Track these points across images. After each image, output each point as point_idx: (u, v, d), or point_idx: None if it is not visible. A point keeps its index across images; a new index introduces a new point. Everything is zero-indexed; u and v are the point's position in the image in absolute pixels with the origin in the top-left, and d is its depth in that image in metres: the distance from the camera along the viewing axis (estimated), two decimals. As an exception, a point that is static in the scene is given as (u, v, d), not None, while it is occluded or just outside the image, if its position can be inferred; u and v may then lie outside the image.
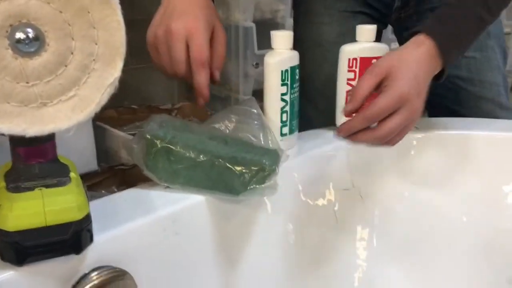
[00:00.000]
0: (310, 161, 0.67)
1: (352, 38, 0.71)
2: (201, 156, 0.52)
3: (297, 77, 0.66)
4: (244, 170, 0.52)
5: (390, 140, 0.59)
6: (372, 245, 0.70)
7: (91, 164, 1.42)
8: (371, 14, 0.92)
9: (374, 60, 0.68)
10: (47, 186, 0.41)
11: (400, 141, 0.60)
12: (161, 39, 0.59)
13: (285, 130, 0.67)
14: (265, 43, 1.92)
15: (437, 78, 0.64)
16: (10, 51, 0.28)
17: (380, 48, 0.70)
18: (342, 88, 0.71)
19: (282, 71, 0.64)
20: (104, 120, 1.68)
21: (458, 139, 0.73)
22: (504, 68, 0.90)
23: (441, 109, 0.89)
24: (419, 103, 0.59)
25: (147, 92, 2.10)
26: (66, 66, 0.29)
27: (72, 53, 0.29)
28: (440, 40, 0.61)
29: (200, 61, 0.58)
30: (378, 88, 0.59)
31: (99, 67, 0.30)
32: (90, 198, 0.45)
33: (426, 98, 0.61)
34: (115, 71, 0.31)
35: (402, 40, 0.95)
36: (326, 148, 0.69)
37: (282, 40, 0.64)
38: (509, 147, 0.71)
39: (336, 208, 0.68)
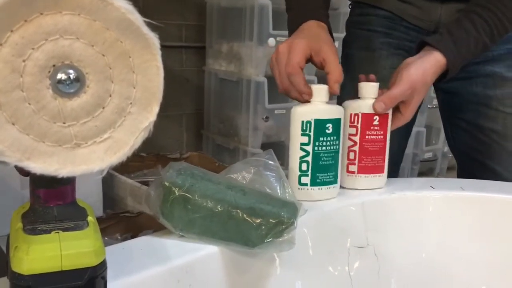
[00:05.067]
0: (323, 215, 0.66)
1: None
2: (219, 207, 0.52)
3: (328, 131, 0.66)
4: (261, 222, 0.51)
5: None
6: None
7: (96, 209, 1.40)
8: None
9: (375, 116, 0.71)
10: (64, 230, 0.40)
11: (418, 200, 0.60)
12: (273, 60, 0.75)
13: (305, 180, 0.67)
14: (276, 98, 1.95)
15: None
16: (50, 91, 0.28)
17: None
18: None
19: (303, 122, 0.65)
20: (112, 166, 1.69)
21: (483, 201, 0.72)
22: None
23: (472, 162, 0.91)
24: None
25: (156, 140, 2.11)
26: (103, 108, 0.30)
27: (110, 96, 0.30)
28: (453, 61, 0.73)
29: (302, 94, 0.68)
30: None
31: (135, 110, 0.31)
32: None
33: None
34: (151, 116, 0.31)
35: (440, 93, 1.01)
36: (341, 202, 0.69)
37: (315, 92, 0.66)
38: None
39: (349, 265, 0.67)
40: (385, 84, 0.76)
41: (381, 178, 0.73)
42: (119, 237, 1.41)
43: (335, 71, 0.69)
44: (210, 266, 0.52)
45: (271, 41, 1.87)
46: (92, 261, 0.38)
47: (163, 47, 0.30)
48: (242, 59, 1.97)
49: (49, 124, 0.28)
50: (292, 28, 0.79)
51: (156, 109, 0.31)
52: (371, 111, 0.71)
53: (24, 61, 0.27)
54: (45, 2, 0.27)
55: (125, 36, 0.29)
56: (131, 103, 0.30)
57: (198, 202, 0.52)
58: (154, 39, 0.30)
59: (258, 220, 0.51)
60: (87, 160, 0.30)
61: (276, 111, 1.96)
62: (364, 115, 0.71)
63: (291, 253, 0.55)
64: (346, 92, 0.82)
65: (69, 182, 0.41)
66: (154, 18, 0.30)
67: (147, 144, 0.32)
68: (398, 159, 1.01)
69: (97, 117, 0.30)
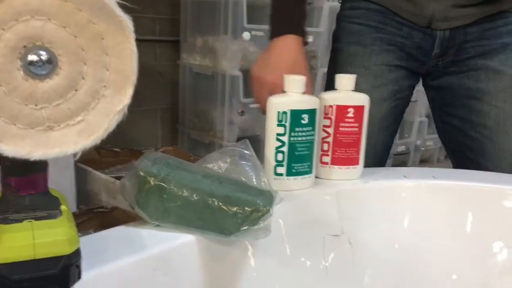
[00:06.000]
0: (298, 205, 0.67)
1: (384, 92, 0.76)
2: (195, 196, 0.52)
3: (304, 121, 0.66)
4: (237, 211, 0.51)
5: None
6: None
7: (70, 205, 1.38)
8: (407, 67, 0.94)
9: (350, 109, 0.71)
10: (37, 219, 0.40)
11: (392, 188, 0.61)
12: (257, 82, 0.84)
13: (281, 170, 0.67)
14: (250, 92, 1.95)
15: None
16: (21, 72, 0.28)
17: (357, 97, 0.72)
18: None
19: (278, 112, 0.65)
20: (85, 162, 1.66)
21: (455, 189, 0.74)
22: None
23: (465, 160, 0.92)
24: None
25: (130, 135, 2.09)
26: (76, 90, 0.29)
27: (83, 78, 0.29)
28: None
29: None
30: None
31: (109, 93, 0.30)
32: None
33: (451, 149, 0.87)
34: (125, 98, 0.31)
35: (431, 91, 0.99)
36: (316, 192, 0.69)
37: (291, 83, 0.67)
38: (500, 201, 0.72)
39: (324, 255, 0.67)
40: (374, 80, 0.77)
41: (356, 170, 0.74)
42: (93, 233, 1.39)
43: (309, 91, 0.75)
44: (186, 255, 0.52)
45: (246, 34, 1.87)
46: (66, 250, 0.38)
47: (136, 41, 0.30)
48: (217, 53, 1.96)
49: (20, 107, 0.28)
50: (273, 35, 0.86)
51: (130, 91, 0.31)
52: (346, 103, 0.71)
53: (-6, 42, 0.26)
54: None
55: (98, 17, 0.29)
56: (104, 86, 0.30)
57: (173, 191, 0.51)
58: (127, 21, 0.30)
59: (234, 208, 0.51)
60: (60, 143, 0.29)
61: (251, 105, 1.97)
62: (339, 107, 0.71)
63: (266, 242, 0.56)
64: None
65: (41, 171, 0.41)
66: (127, 11, 0.30)
67: (121, 139, 0.32)
68: (383, 158, 1.01)
69: (70, 99, 0.29)
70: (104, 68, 0.30)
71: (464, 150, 0.93)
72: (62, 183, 1.41)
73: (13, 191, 0.40)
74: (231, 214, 0.51)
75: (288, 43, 0.84)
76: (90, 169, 1.60)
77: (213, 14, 1.94)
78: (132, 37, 0.30)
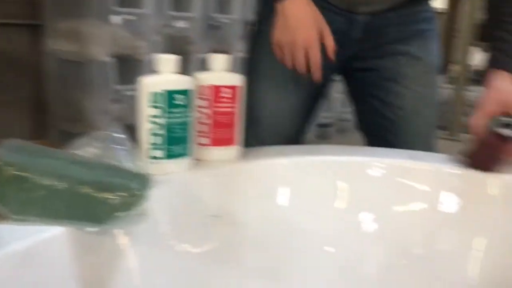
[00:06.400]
0: (176, 188, 0.65)
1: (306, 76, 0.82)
2: (61, 183, 0.47)
3: (179, 102, 0.64)
4: (109, 196, 0.48)
5: None
6: (244, 267, 0.69)
7: None
8: None
9: (225, 89, 0.71)
10: None
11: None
12: (286, 47, 0.83)
13: (157, 153, 0.64)
14: (126, 79, 1.87)
15: None
16: None
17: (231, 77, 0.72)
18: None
19: (152, 93, 0.63)
20: None
21: (326, 164, 0.77)
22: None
23: (380, 141, 0.94)
24: None
25: (-6, 128, 1.89)
26: None
27: None
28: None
29: (317, 65, 0.83)
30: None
31: None
32: None
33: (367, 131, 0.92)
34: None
35: (356, 72, 1.01)
36: (195, 174, 0.68)
37: (163, 63, 0.64)
38: (365, 171, 0.77)
39: (207, 238, 0.67)
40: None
41: (233, 149, 0.74)
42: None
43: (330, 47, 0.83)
44: (54, 249, 0.47)
45: (115, 18, 1.78)
46: None
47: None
48: (85, 38, 1.84)
49: None
50: None
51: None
52: (222, 83, 0.71)
53: None
54: None
55: None
56: None
57: (35, 181, 0.47)
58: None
59: (106, 194, 0.48)
60: None
61: (127, 93, 1.88)
62: (214, 87, 0.71)
63: (144, 229, 0.53)
64: (263, 68, 0.82)
65: None
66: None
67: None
68: (296, 140, 1.02)
69: None
70: None
71: (380, 130, 0.97)
72: None
73: None
74: (103, 201, 0.48)
75: (298, 2, 0.84)
76: None
77: (78, -4, 1.82)
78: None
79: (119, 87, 1.86)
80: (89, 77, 1.87)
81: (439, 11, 5.51)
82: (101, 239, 0.52)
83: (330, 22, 0.92)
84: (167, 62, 0.65)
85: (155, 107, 0.63)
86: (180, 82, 0.65)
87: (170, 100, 0.64)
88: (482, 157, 0.75)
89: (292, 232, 0.73)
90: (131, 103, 1.94)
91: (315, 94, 1.02)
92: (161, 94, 0.63)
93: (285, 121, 0.99)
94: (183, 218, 0.64)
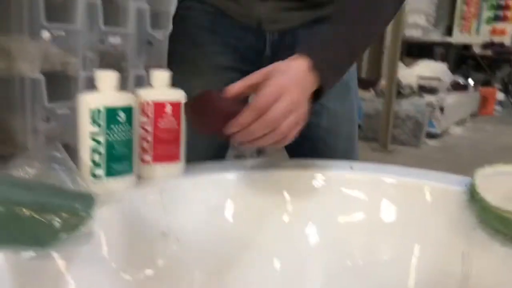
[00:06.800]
0: (121, 207, 0.63)
1: None
2: (-3, 206, 0.45)
3: (120, 119, 0.63)
4: (53, 218, 0.46)
5: (283, 137, 0.65)
6: (191, 285, 0.69)
7: None
8: (241, 69, 0.91)
9: (167, 105, 0.70)
10: None
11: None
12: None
13: (99, 171, 0.63)
14: (57, 96, 1.80)
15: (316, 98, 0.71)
16: None
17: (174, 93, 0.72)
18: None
19: (92, 110, 0.61)
20: None
21: (269, 178, 0.78)
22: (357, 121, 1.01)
23: (298, 157, 0.92)
24: (300, 97, 0.66)
25: None
26: None
27: None
28: (312, 57, 0.68)
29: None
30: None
31: None
32: None
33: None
34: None
35: None
36: (139, 192, 0.67)
37: (103, 79, 0.63)
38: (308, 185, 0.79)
39: (153, 258, 0.65)
40: (207, 82, 0.73)
41: (178, 166, 0.74)
42: None
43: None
44: (-8, 276, 0.44)
45: (45, 33, 1.71)
46: None
47: None
48: (12, 54, 1.76)
49: None
50: None
51: None
52: (164, 99, 0.70)
53: None
54: None
55: None
56: None
57: (-30, 204, 0.44)
58: None
59: (49, 216, 0.46)
60: None
61: (59, 111, 1.81)
62: (156, 103, 0.70)
63: (88, 251, 0.52)
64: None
65: None
66: None
67: None
68: (222, 151, 0.99)
69: None
70: None
71: (302, 149, 0.94)
72: None
73: None
74: (46, 223, 0.46)
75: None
76: None
77: (4, 9, 1.74)
78: None
79: (50, 105, 1.79)
80: (17, 94, 1.79)
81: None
82: (44, 264, 0.49)
83: (241, 39, 0.93)
84: (107, 78, 0.63)
85: (96, 124, 0.62)
86: (121, 98, 0.64)
87: (111, 117, 0.62)
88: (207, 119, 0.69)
89: (237, 247, 0.73)
90: (63, 121, 1.87)
91: None
92: (101, 111, 0.62)
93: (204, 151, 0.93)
94: (128, 238, 0.63)
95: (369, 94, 4.46)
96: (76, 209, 0.48)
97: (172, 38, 1.00)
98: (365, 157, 3.64)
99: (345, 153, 0.97)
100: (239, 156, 2.74)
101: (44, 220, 0.46)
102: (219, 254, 0.71)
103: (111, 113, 0.62)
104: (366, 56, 5.66)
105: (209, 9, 0.93)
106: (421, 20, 6.07)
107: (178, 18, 0.99)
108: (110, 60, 2.01)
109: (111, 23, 1.99)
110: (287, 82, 0.65)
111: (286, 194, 0.77)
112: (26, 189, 0.48)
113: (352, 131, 1.01)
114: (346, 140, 1.00)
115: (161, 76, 0.71)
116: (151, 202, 0.68)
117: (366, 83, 4.70)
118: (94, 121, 0.61)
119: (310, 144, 0.95)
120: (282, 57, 0.93)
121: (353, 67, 1.01)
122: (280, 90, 0.63)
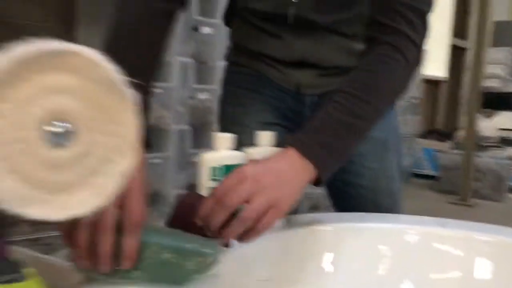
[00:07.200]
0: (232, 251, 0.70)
1: None
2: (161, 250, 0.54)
3: None
4: (188, 261, 0.55)
5: (253, 224, 0.60)
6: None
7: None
8: (284, 125, 1.01)
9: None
10: (3, 283, 0.40)
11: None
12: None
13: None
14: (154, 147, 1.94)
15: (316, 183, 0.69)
16: (46, 143, 0.30)
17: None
18: None
19: (211, 168, 0.71)
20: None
21: (361, 231, 0.83)
22: (399, 176, 1.05)
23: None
24: (273, 181, 0.62)
25: None
26: (90, 157, 0.32)
27: (96, 146, 0.32)
28: (304, 147, 0.66)
29: None
30: None
31: (115, 157, 0.33)
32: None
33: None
34: (128, 161, 0.34)
35: None
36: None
37: (220, 140, 0.72)
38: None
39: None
40: (253, 137, 0.76)
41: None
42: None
43: None
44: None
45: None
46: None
47: None
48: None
49: (42, 174, 0.30)
50: None
51: (132, 155, 0.34)
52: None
53: (24, 116, 0.29)
54: (44, 64, 0.29)
55: (108, 92, 0.32)
56: (111, 151, 0.33)
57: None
58: (129, 93, 0.33)
59: (186, 260, 0.54)
60: (77, 205, 0.31)
61: (151, 161, 1.97)
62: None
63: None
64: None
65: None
66: None
67: None
68: None
69: (85, 165, 0.32)
70: (111, 135, 0.33)
71: (346, 207, 1.01)
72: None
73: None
74: (182, 266, 0.54)
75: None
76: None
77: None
78: (131, 106, 0.34)
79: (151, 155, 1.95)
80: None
81: (441, 79, 5.73)
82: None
83: (281, 100, 1.00)
84: (224, 140, 0.73)
85: (215, 180, 0.70)
86: (236, 157, 0.73)
87: (228, 173, 0.71)
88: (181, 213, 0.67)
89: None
90: (155, 170, 2.02)
91: None
92: (220, 168, 0.70)
93: None
94: (238, 280, 0.69)
95: (445, 146, 4.38)
96: (206, 254, 0.56)
97: (221, 99, 1.09)
98: (441, 210, 3.53)
99: (388, 210, 1.01)
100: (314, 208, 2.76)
101: (182, 264, 0.54)
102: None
103: (228, 169, 0.71)
104: (442, 107, 5.58)
105: (253, 73, 1.02)
106: (500, 71, 5.93)
107: (225, 81, 1.09)
108: (198, 114, 2.17)
109: (201, 81, 2.17)
110: (254, 169, 0.62)
111: (382, 247, 0.81)
112: (166, 235, 0.57)
113: (393, 188, 1.05)
114: (387, 197, 1.04)
115: (266, 136, 0.79)
116: (260, 249, 0.74)
117: (442, 135, 4.62)
118: (213, 177, 0.70)
119: (353, 202, 1.01)
120: None
121: (394, 124, 1.05)
122: (241, 176, 0.61)
